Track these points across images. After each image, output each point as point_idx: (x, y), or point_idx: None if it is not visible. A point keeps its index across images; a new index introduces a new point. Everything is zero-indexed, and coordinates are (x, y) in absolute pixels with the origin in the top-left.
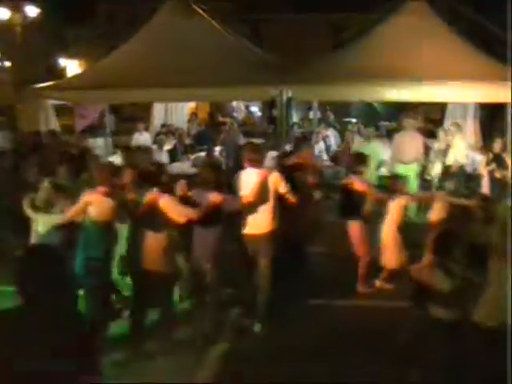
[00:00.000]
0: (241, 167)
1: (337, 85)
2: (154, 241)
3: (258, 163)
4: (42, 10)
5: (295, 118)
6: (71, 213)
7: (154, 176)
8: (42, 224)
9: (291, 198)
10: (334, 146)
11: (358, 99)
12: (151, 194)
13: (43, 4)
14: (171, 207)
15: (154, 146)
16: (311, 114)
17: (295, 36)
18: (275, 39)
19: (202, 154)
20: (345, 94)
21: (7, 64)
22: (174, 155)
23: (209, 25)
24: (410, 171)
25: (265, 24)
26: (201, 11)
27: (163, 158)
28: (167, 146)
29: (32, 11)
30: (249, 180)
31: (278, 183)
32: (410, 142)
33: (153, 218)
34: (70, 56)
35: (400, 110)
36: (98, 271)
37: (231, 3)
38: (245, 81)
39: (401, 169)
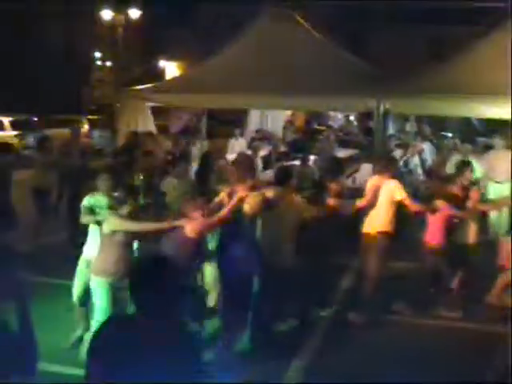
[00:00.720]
0: (332, 177)
1: (435, 99)
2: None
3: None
4: (144, 12)
5: (392, 129)
6: (225, 213)
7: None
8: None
9: (411, 205)
10: (429, 161)
11: (456, 115)
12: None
13: (145, 6)
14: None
15: (249, 152)
16: (408, 127)
17: (396, 47)
18: (375, 49)
19: (296, 162)
20: (443, 108)
21: (108, 64)
22: (267, 162)
23: (309, 33)
24: (503, 190)
25: (365, 34)
26: (302, 19)
27: (257, 164)
28: (262, 152)
29: (134, 13)
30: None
31: (394, 191)
32: (503, 160)
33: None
34: (169, 57)
35: (500, 126)
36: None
37: (332, 13)
38: (343, 91)
39: (493, 187)
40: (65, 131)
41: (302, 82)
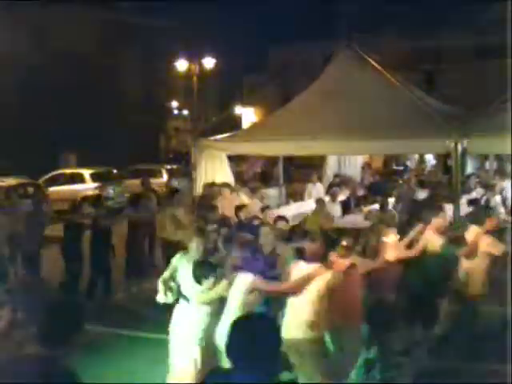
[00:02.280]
0: (414, 221)
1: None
2: None
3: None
4: (219, 60)
5: (471, 168)
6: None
7: None
8: None
9: None
10: (510, 199)
11: None
12: None
13: (220, 54)
14: None
15: (327, 198)
16: (487, 165)
17: (471, 85)
18: (450, 88)
19: (376, 206)
20: None
21: (185, 113)
22: (347, 207)
23: (382, 75)
24: None
25: (439, 73)
26: (373, 62)
27: (336, 209)
28: (340, 197)
29: (209, 62)
30: None
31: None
32: None
33: None
34: (246, 104)
35: None
36: None
37: (404, 53)
38: (419, 133)
39: None
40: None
41: (378, 125)
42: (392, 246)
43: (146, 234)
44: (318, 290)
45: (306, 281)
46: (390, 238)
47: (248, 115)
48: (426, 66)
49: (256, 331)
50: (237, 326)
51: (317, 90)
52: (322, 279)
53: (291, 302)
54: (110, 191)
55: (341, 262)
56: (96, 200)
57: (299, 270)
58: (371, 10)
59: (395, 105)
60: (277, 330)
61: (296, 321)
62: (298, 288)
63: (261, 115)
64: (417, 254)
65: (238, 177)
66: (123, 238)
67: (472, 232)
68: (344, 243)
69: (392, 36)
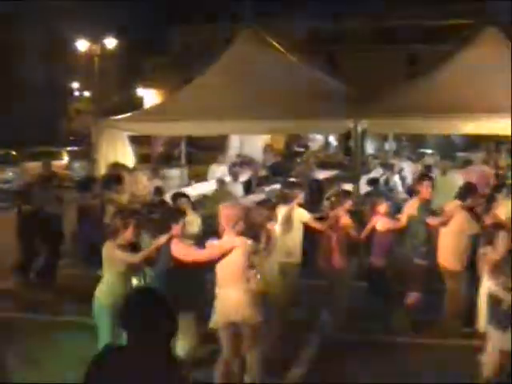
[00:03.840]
0: (314, 200)
1: (412, 118)
2: None
3: None
4: (120, 41)
5: (371, 149)
6: None
7: None
8: None
9: None
10: (409, 179)
11: (433, 132)
12: None
13: (120, 35)
14: None
15: (229, 178)
16: (387, 146)
17: (371, 67)
18: (350, 70)
19: (277, 185)
20: (419, 127)
21: (86, 94)
22: (248, 187)
23: (284, 57)
24: None
25: (340, 55)
26: (275, 43)
27: (238, 189)
28: (242, 178)
29: (110, 43)
30: None
31: None
32: (480, 175)
33: None
34: (147, 85)
35: (479, 140)
36: None
37: (306, 35)
38: (320, 113)
39: None
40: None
41: (279, 106)
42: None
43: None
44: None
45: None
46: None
47: (150, 97)
48: (327, 48)
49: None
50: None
51: (218, 71)
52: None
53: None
54: (10, 174)
55: None
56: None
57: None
58: None
59: (296, 86)
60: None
61: None
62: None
63: (163, 97)
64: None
65: (143, 158)
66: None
67: (450, 205)
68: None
69: (294, 18)
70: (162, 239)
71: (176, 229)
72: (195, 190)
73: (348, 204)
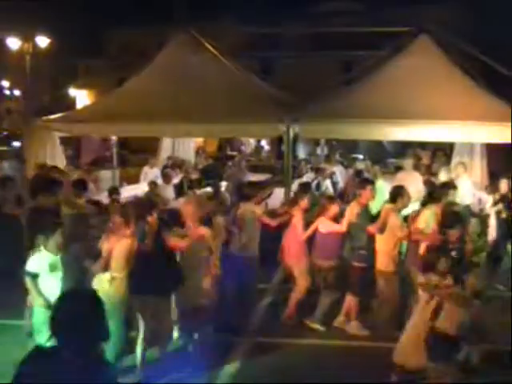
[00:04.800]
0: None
1: (343, 123)
2: None
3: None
4: (53, 40)
5: (303, 153)
6: None
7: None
8: None
9: None
10: (340, 183)
11: (365, 138)
12: None
13: (54, 34)
14: None
15: (161, 180)
16: (319, 150)
17: (306, 73)
18: (285, 76)
19: (208, 189)
20: (351, 132)
21: (17, 93)
22: (180, 189)
23: (218, 60)
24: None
25: (276, 60)
26: (210, 46)
27: (169, 192)
28: (174, 180)
29: (42, 41)
30: None
31: None
32: (410, 181)
33: None
34: (80, 86)
35: (409, 147)
36: None
37: (242, 39)
38: (252, 117)
39: None
40: None
41: (213, 109)
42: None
43: None
44: None
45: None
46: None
47: (82, 98)
48: (263, 53)
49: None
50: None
51: (151, 74)
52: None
53: None
54: None
55: None
56: None
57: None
58: None
59: (230, 89)
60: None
61: None
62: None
63: (95, 98)
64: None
65: (72, 160)
66: None
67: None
68: None
69: (230, 22)
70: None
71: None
72: (127, 191)
73: (304, 203)
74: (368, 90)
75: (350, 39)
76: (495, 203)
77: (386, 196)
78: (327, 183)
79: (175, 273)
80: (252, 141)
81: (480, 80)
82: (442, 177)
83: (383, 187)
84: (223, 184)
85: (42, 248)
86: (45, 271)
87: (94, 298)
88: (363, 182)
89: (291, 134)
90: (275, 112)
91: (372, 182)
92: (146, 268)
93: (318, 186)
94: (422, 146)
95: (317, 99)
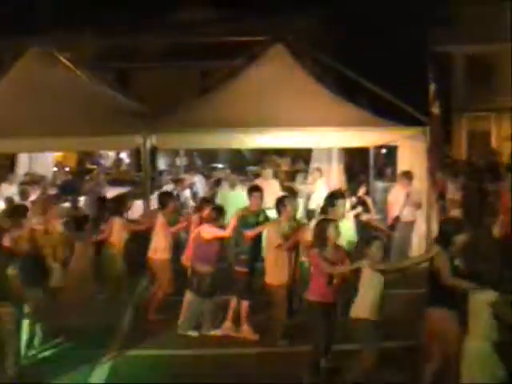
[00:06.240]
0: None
1: (200, 133)
2: None
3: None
4: None
5: (164, 164)
6: None
7: None
8: None
9: None
10: (201, 193)
11: (222, 146)
12: None
13: None
14: None
15: (17, 198)
16: (178, 161)
17: (162, 83)
18: (142, 87)
19: (67, 204)
20: (207, 141)
21: None
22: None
23: (72, 73)
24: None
25: (132, 71)
26: (63, 59)
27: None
28: (32, 197)
29: None
30: None
31: None
32: (267, 188)
33: None
34: None
35: (266, 154)
36: None
37: (95, 51)
38: (109, 129)
39: None
40: None
41: (68, 123)
42: None
43: None
44: None
45: None
46: None
47: None
48: (119, 65)
49: None
50: None
51: (5, 88)
52: None
53: None
54: None
55: None
56: None
57: None
58: (65, 7)
59: (86, 102)
60: None
61: None
62: None
63: None
64: None
65: None
66: None
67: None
68: None
69: (86, 34)
70: None
71: None
72: None
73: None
74: (223, 99)
75: (208, 49)
76: (353, 207)
77: (243, 204)
78: (186, 194)
79: None
80: (112, 154)
81: (334, 88)
82: (299, 182)
83: (240, 196)
84: (82, 199)
85: None
86: None
87: None
88: (252, 189)
89: (148, 146)
90: (131, 124)
91: (260, 190)
92: None
93: (178, 197)
94: (280, 153)
95: (173, 109)
